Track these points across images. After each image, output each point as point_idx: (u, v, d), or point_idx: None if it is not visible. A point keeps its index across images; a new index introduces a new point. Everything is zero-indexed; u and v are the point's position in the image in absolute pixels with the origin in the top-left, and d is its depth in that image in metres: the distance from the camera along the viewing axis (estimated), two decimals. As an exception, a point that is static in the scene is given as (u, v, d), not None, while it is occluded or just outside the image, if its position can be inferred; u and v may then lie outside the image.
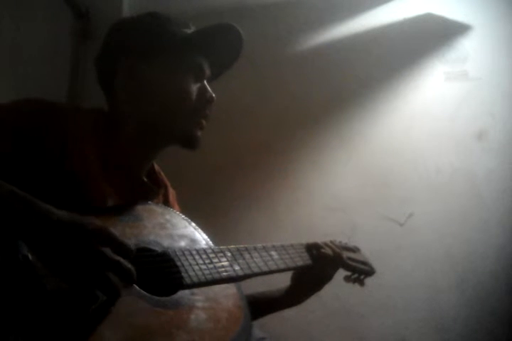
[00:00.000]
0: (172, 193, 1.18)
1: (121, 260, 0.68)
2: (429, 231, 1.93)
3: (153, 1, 2.22)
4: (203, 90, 1.04)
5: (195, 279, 0.84)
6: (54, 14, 2.02)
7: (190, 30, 1.05)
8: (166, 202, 1.12)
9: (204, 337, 0.77)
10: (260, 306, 1.14)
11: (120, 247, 0.69)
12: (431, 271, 1.89)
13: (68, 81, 2.05)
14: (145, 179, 1.06)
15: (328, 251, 1.18)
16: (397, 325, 1.86)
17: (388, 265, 1.83)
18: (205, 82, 1.06)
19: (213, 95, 1.05)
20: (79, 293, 0.65)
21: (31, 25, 1.82)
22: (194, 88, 1.03)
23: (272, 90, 2.14)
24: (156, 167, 1.13)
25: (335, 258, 1.19)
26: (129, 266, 0.68)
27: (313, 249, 1.18)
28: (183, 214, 1.02)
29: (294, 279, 1.21)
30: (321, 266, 1.17)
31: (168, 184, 1.17)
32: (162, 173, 1.16)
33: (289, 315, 1.76)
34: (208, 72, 1.07)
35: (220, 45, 1.06)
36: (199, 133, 1.03)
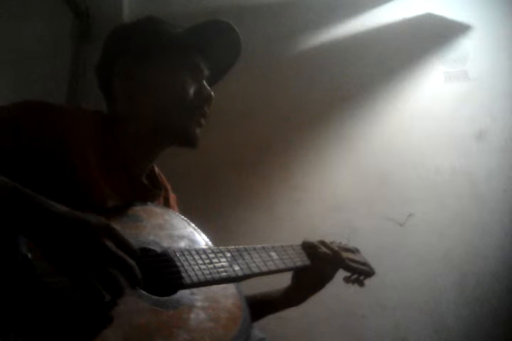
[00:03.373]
0: (173, 197, 1.18)
1: (126, 256, 0.67)
2: (429, 231, 1.93)
3: (153, 2, 2.22)
4: (200, 88, 1.04)
5: (194, 279, 0.84)
6: (54, 14, 2.03)
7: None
8: (167, 205, 1.12)
9: (204, 336, 0.77)
10: (260, 307, 1.13)
11: (124, 244, 0.69)
12: (431, 271, 1.89)
13: (68, 81, 2.05)
14: (145, 181, 1.06)
15: (325, 249, 1.18)
16: (397, 325, 1.85)
17: (388, 265, 1.83)
18: (204, 80, 1.06)
19: (211, 93, 1.05)
20: (80, 291, 0.65)
21: (31, 25, 1.82)
22: (191, 86, 1.03)
23: (272, 90, 2.15)
24: (157, 169, 1.13)
25: (333, 257, 1.19)
26: (134, 263, 0.68)
27: (309, 248, 1.18)
28: (183, 214, 1.02)
29: (294, 279, 1.20)
30: (320, 265, 1.16)
31: (169, 187, 1.17)
32: (163, 176, 1.16)
33: (290, 315, 1.76)
34: (206, 71, 1.07)
35: (214, 41, 1.06)
36: (198, 131, 1.03)
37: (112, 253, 0.66)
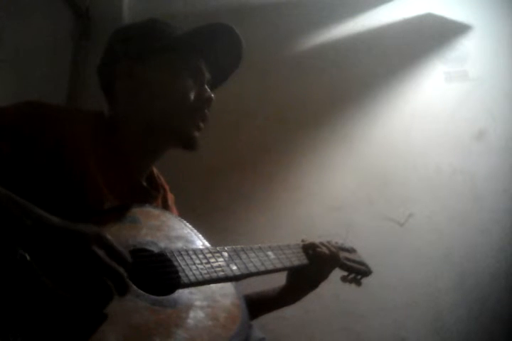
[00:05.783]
0: (171, 197, 1.18)
1: (116, 265, 0.68)
2: (429, 231, 1.93)
3: (153, 2, 2.22)
4: (201, 91, 1.04)
5: (192, 279, 0.84)
6: (54, 14, 2.02)
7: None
8: (165, 206, 1.12)
9: (202, 335, 0.77)
10: (256, 306, 1.13)
11: (115, 253, 0.69)
12: (431, 271, 1.89)
13: (68, 81, 2.05)
14: (144, 183, 1.05)
15: (325, 250, 1.18)
16: (397, 325, 1.85)
17: (388, 265, 1.84)
18: (205, 83, 1.06)
19: (212, 95, 1.05)
20: (76, 295, 0.65)
21: (31, 25, 1.82)
22: (192, 88, 1.03)
23: (272, 90, 2.15)
24: (155, 171, 1.13)
25: (331, 257, 1.19)
26: (123, 271, 0.68)
27: (309, 249, 1.18)
28: (183, 215, 1.02)
29: (289, 279, 1.21)
30: (317, 265, 1.17)
31: (167, 188, 1.17)
32: (161, 177, 1.16)
33: (290, 315, 1.76)
34: (207, 74, 1.07)
35: (216, 44, 1.06)
36: (197, 134, 1.03)
37: (102, 263, 0.67)
